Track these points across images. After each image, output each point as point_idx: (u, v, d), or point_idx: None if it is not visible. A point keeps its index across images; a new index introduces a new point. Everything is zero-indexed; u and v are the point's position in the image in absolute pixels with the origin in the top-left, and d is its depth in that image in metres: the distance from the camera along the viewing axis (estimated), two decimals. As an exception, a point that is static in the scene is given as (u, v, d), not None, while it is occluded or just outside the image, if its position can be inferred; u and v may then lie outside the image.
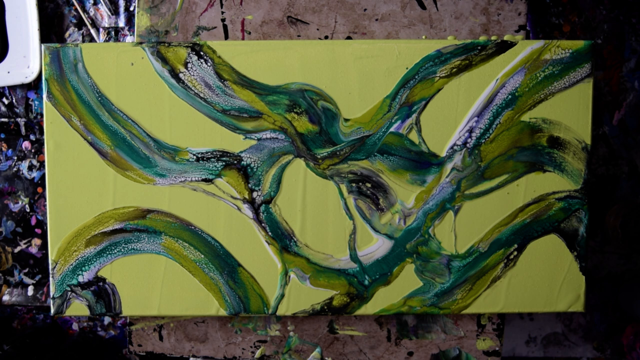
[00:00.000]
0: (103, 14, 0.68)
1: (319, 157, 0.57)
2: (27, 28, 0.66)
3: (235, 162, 0.57)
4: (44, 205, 0.69)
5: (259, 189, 0.57)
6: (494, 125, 0.57)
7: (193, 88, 0.56)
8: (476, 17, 0.62)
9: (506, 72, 0.57)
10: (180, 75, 0.56)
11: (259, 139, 0.57)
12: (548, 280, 0.58)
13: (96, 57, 0.56)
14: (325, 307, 0.59)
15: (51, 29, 0.68)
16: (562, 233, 0.58)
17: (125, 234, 0.57)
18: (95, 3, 0.68)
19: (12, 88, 0.69)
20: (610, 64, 0.70)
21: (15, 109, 0.69)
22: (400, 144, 0.57)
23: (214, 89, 0.56)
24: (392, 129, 0.57)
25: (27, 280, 0.70)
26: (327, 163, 0.57)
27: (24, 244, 0.70)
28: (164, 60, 0.56)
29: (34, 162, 0.69)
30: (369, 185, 0.58)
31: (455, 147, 0.57)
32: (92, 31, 0.68)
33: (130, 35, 0.68)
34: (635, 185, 0.71)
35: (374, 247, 0.58)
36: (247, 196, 0.57)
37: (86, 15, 0.68)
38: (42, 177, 0.69)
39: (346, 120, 0.57)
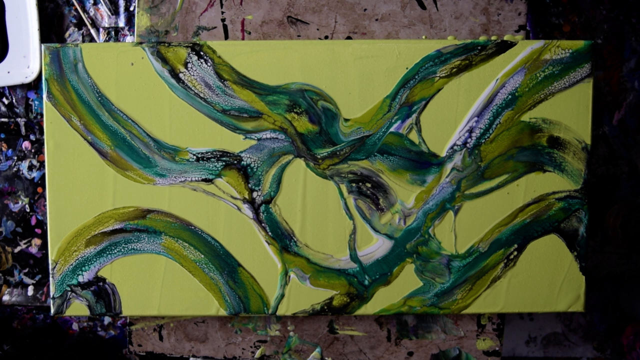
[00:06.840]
0: (103, 14, 0.68)
1: (319, 157, 0.57)
2: (27, 28, 0.66)
3: (235, 162, 0.57)
4: (44, 205, 0.69)
5: (259, 189, 0.57)
6: (494, 125, 0.57)
7: (193, 88, 0.56)
8: (476, 17, 0.62)
9: (506, 72, 0.57)
10: (180, 75, 0.56)
11: (259, 139, 0.57)
12: (548, 280, 0.58)
13: (96, 57, 0.56)
14: (325, 307, 0.59)
15: (51, 29, 0.68)
16: (562, 233, 0.58)
17: (125, 234, 0.57)
18: (95, 3, 0.68)
19: (12, 88, 0.69)
20: (610, 64, 0.70)
21: (15, 109, 0.69)
22: (400, 144, 0.57)
23: (214, 89, 0.56)
24: (392, 129, 0.57)
25: (27, 280, 0.70)
26: (327, 163, 0.57)
27: (24, 244, 0.70)
28: (164, 60, 0.56)
29: (34, 162, 0.69)
30: (369, 185, 0.58)
31: (455, 147, 0.57)
32: (92, 31, 0.68)
33: (130, 35, 0.68)
34: (635, 185, 0.71)
35: (374, 247, 0.58)
36: (247, 196, 0.57)
37: (86, 15, 0.68)
38: (42, 177, 0.69)
39: (346, 120, 0.57)
